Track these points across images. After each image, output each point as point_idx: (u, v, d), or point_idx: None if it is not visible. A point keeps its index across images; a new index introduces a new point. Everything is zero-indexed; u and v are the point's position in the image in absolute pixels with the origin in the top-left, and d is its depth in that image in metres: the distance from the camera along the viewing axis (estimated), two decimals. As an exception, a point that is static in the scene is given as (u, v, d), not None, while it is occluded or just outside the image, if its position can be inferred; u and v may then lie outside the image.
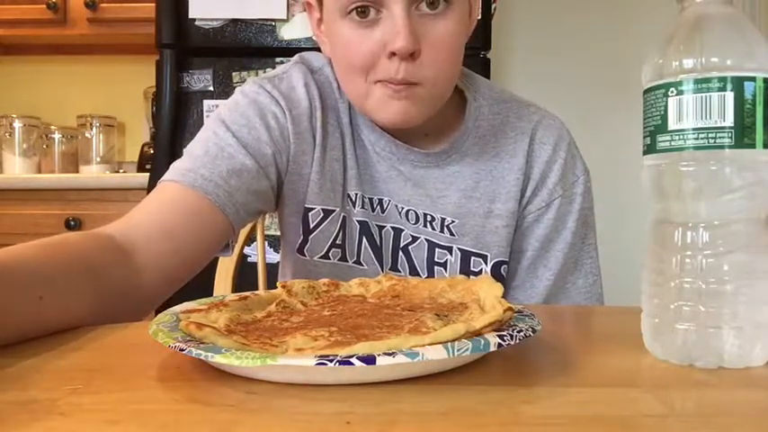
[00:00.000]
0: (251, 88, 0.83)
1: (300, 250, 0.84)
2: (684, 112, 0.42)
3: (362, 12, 0.72)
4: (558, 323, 0.58)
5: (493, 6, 1.83)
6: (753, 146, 0.41)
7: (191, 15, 1.74)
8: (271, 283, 0.95)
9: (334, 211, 0.83)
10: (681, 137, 0.42)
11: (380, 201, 0.83)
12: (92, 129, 2.41)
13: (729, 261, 0.41)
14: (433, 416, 0.33)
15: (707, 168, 0.41)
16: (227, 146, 0.77)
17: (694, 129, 0.41)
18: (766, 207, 0.42)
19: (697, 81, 0.41)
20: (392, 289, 0.56)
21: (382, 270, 0.83)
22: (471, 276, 0.80)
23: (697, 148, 0.41)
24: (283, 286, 0.54)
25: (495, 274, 0.82)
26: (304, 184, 0.82)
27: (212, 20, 1.75)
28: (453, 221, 0.82)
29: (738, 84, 0.40)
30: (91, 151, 2.42)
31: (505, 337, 0.39)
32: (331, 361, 0.34)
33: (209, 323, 0.42)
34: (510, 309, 0.43)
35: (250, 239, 1.15)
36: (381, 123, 0.78)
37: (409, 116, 0.75)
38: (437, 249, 0.82)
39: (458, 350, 0.36)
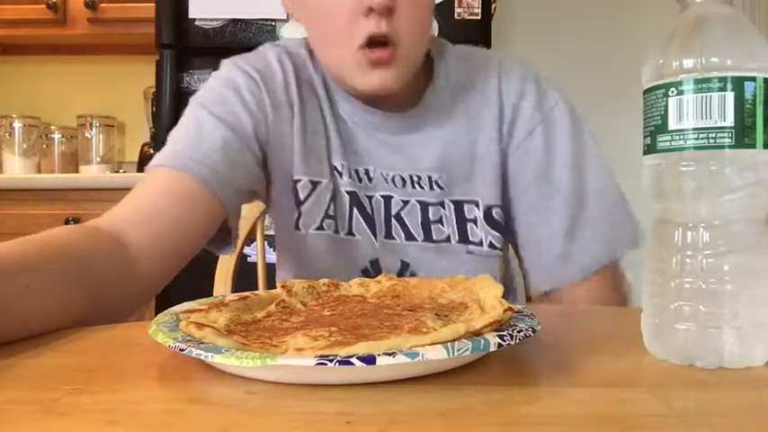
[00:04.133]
0: (224, 69, 0.84)
1: (297, 225, 0.84)
2: (685, 112, 0.42)
3: None
4: (558, 323, 0.58)
5: (493, 6, 1.83)
6: (753, 146, 0.41)
7: (191, 15, 1.74)
8: (271, 283, 0.95)
9: (321, 182, 0.83)
10: (681, 137, 0.42)
11: (366, 171, 0.84)
12: (92, 129, 2.41)
13: (729, 261, 0.41)
14: (433, 416, 0.33)
15: (707, 168, 0.41)
16: (205, 124, 0.78)
17: (694, 129, 0.41)
18: (766, 207, 0.42)
19: (697, 81, 0.41)
20: (392, 289, 0.56)
21: (376, 240, 0.83)
22: (468, 224, 0.82)
23: (697, 148, 0.41)
24: (283, 286, 0.54)
25: (489, 219, 0.83)
26: (288, 155, 0.83)
27: (212, 20, 1.75)
28: (440, 176, 0.83)
29: (739, 84, 0.40)
30: (91, 151, 2.42)
31: (505, 337, 0.39)
32: (331, 361, 0.34)
33: (209, 323, 0.42)
34: (510, 309, 0.43)
35: (250, 239, 1.15)
36: (360, 90, 0.78)
37: (388, 82, 0.76)
38: (430, 208, 0.83)
39: (458, 350, 0.36)
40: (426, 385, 0.37)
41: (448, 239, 0.83)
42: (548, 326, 0.47)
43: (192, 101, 0.82)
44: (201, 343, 0.39)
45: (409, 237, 0.83)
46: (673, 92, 0.42)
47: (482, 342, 0.37)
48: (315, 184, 0.83)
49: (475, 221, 0.83)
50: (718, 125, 0.41)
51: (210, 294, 0.89)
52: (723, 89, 0.40)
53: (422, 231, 0.83)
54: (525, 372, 0.42)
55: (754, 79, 0.41)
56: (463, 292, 0.51)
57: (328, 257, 0.84)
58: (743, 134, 0.40)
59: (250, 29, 1.75)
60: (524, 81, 0.85)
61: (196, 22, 1.74)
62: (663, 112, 0.43)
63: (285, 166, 0.83)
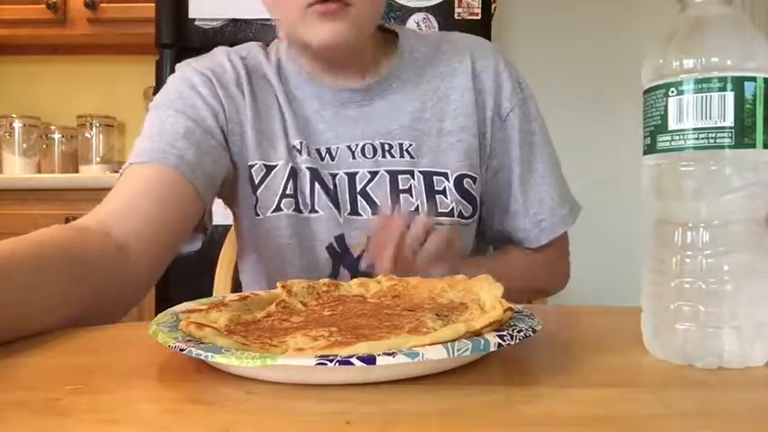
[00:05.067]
0: (178, 71, 0.88)
1: (256, 211, 0.86)
2: (684, 112, 0.42)
3: None
4: (558, 323, 0.58)
5: (493, 6, 1.83)
6: (753, 146, 0.41)
7: (191, 15, 1.74)
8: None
9: (276, 164, 0.85)
10: (681, 137, 0.42)
11: (328, 150, 0.86)
12: (92, 129, 2.41)
13: (729, 261, 0.41)
14: (433, 416, 0.33)
15: (707, 168, 0.41)
16: (167, 118, 0.81)
17: (694, 129, 0.41)
18: (766, 207, 0.42)
19: (697, 81, 0.41)
20: (392, 289, 0.56)
21: (340, 215, 0.84)
22: (438, 196, 0.85)
23: (697, 148, 0.41)
24: (283, 286, 0.54)
25: (459, 189, 0.86)
26: (244, 144, 0.86)
27: (212, 20, 1.75)
28: (411, 144, 0.86)
29: (739, 84, 0.40)
30: (91, 151, 2.42)
31: (505, 337, 0.39)
32: (331, 361, 0.34)
33: (209, 323, 0.42)
34: (510, 309, 0.43)
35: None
36: (315, 45, 0.79)
37: (339, 35, 0.77)
38: (399, 177, 0.85)
39: (458, 350, 0.36)
40: (426, 385, 0.37)
41: (416, 210, 0.85)
42: (548, 326, 0.47)
43: (151, 106, 0.85)
44: (201, 343, 0.39)
45: (377, 212, 0.84)
46: (673, 92, 0.42)
47: (482, 342, 0.37)
48: (269, 168, 0.85)
49: (444, 192, 0.85)
50: (718, 125, 0.41)
51: (210, 294, 0.89)
52: (723, 89, 0.40)
53: (390, 203, 0.85)
54: (525, 372, 0.42)
55: (754, 79, 0.41)
56: (463, 292, 0.51)
57: (288, 237, 0.85)
58: (743, 134, 0.40)
59: (250, 29, 1.75)
60: (497, 62, 0.90)
61: (196, 22, 1.74)
62: (663, 112, 0.43)
63: (242, 154, 0.86)
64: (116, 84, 2.52)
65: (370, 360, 0.34)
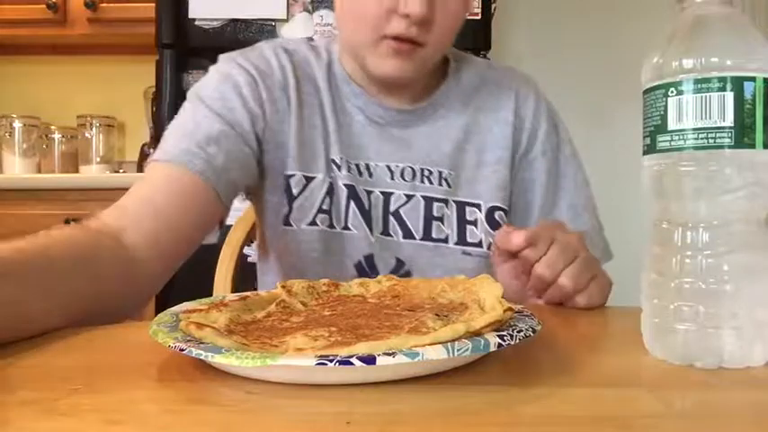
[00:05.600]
0: (223, 64, 0.85)
1: (287, 221, 0.84)
2: (684, 112, 0.42)
3: None
4: (558, 323, 0.58)
5: (493, 6, 1.83)
6: (753, 146, 0.41)
7: (191, 15, 1.74)
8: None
9: (315, 177, 0.84)
10: (681, 137, 0.42)
11: (368, 166, 0.85)
12: (92, 129, 2.41)
13: (729, 261, 0.41)
14: (433, 416, 0.33)
15: (707, 168, 0.41)
16: (203, 118, 0.79)
17: (694, 129, 0.41)
18: (766, 207, 0.42)
19: (697, 81, 0.41)
20: (392, 289, 0.56)
21: (372, 234, 0.84)
22: (469, 226, 0.84)
23: (697, 148, 0.41)
24: (283, 286, 0.54)
25: (490, 220, 0.85)
26: (282, 152, 0.84)
27: (212, 20, 1.75)
28: (450, 173, 0.85)
29: (738, 84, 0.40)
30: (91, 151, 2.41)
31: (505, 337, 0.39)
32: (331, 361, 0.34)
33: (209, 323, 0.42)
34: (510, 309, 0.43)
35: (250, 240, 1.15)
36: (377, 75, 0.80)
37: (406, 72, 0.79)
38: (435, 204, 0.85)
39: (458, 350, 0.36)
40: (426, 385, 0.37)
41: (446, 240, 0.84)
42: (548, 326, 0.47)
43: (190, 94, 0.82)
44: (201, 343, 0.39)
45: (407, 235, 0.84)
46: (672, 92, 0.42)
47: (482, 342, 0.37)
48: (308, 180, 0.84)
49: (475, 223, 0.85)
50: (718, 125, 0.41)
51: (210, 294, 0.89)
52: (723, 89, 0.40)
53: (422, 228, 0.84)
54: (525, 372, 0.42)
55: (753, 79, 0.41)
56: (463, 293, 0.51)
57: (319, 252, 0.84)
58: (742, 134, 0.40)
59: (250, 29, 1.75)
60: (538, 102, 0.91)
61: (196, 22, 1.74)
62: (662, 112, 0.43)
63: (279, 162, 0.84)
64: (116, 84, 2.51)
65: (370, 360, 0.34)
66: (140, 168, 2.29)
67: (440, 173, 0.85)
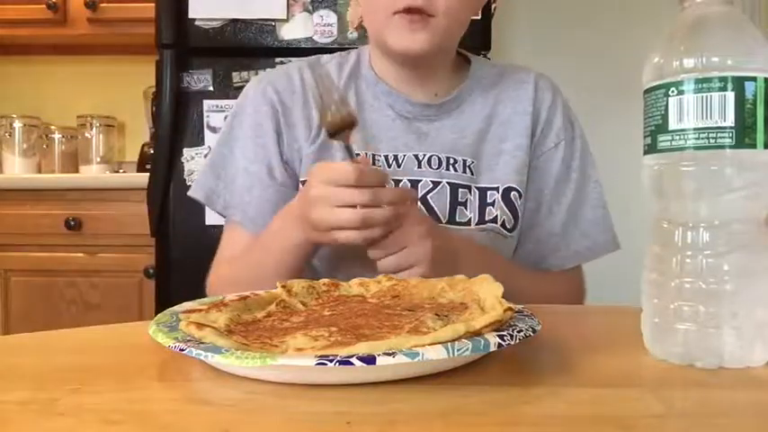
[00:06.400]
0: (256, 87, 0.92)
1: None
2: (685, 112, 0.41)
3: None
4: (558, 323, 0.58)
5: (493, 6, 1.83)
6: (753, 146, 0.41)
7: (191, 15, 1.74)
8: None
9: None
10: (681, 137, 0.42)
11: (396, 157, 0.90)
12: (92, 129, 2.41)
13: (729, 261, 0.41)
14: (433, 416, 0.33)
15: (707, 168, 0.41)
16: (240, 161, 0.89)
17: (695, 129, 0.41)
18: (766, 207, 0.42)
19: (698, 81, 0.41)
20: (392, 289, 0.56)
21: None
22: (488, 207, 0.89)
23: (698, 148, 0.41)
24: (283, 286, 0.54)
25: (506, 200, 0.90)
26: (299, 164, 0.90)
27: (212, 20, 1.75)
28: (473, 161, 0.91)
29: (739, 84, 0.40)
30: (91, 151, 2.41)
31: (505, 337, 0.39)
32: (331, 361, 0.34)
33: (209, 323, 0.42)
34: (510, 309, 0.43)
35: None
36: (397, 51, 0.86)
37: (421, 45, 0.83)
38: (459, 190, 0.89)
39: (458, 350, 0.36)
40: (426, 385, 0.37)
41: (468, 223, 0.89)
42: (548, 326, 0.47)
43: (228, 121, 0.92)
44: (201, 343, 0.39)
45: (434, 219, 0.87)
46: (673, 92, 0.42)
47: (482, 342, 0.37)
48: None
49: (493, 204, 0.90)
50: (719, 125, 0.41)
51: (210, 294, 0.88)
52: (723, 89, 0.40)
53: (447, 213, 0.88)
54: (525, 372, 0.42)
55: (754, 79, 0.40)
56: (463, 292, 0.51)
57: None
58: (743, 134, 0.40)
59: (250, 29, 1.75)
60: (555, 97, 0.95)
61: (196, 22, 1.74)
62: (663, 112, 0.42)
63: (296, 172, 0.90)
64: (116, 84, 2.51)
65: (370, 360, 0.34)
66: (140, 168, 2.29)
67: (464, 161, 0.90)
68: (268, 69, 0.94)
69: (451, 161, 0.90)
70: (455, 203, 0.88)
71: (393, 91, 0.92)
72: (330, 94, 0.75)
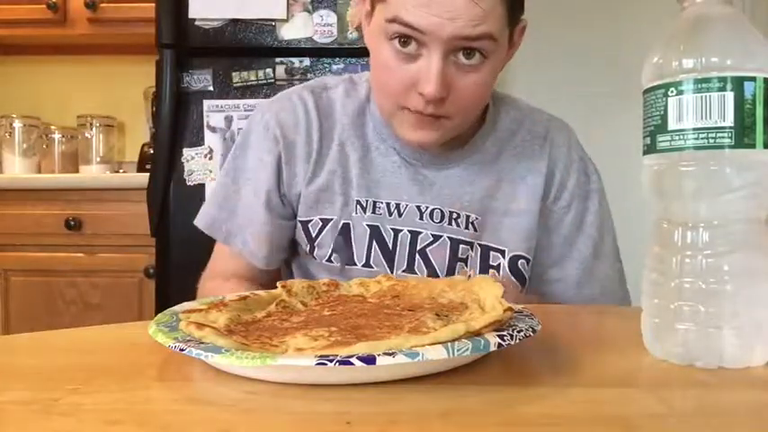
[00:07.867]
0: (259, 118, 0.89)
1: (312, 254, 0.88)
2: (684, 112, 0.41)
3: (405, 42, 0.73)
4: (559, 323, 0.58)
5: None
6: (753, 146, 0.41)
7: (191, 15, 1.74)
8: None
9: (331, 219, 0.86)
10: (681, 137, 0.42)
11: (398, 206, 0.86)
12: (92, 129, 2.41)
13: (729, 261, 0.41)
14: (432, 416, 0.33)
15: (707, 168, 0.41)
16: (245, 198, 0.87)
17: (694, 129, 0.41)
18: (766, 207, 0.42)
19: (697, 81, 0.41)
20: (392, 289, 0.56)
21: (393, 272, 0.85)
22: (490, 270, 0.85)
23: (697, 148, 0.41)
24: (283, 286, 0.54)
25: (513, 268, 0.86)
26: (297, 199, 0.88)
27: (212, 20, 1.75)
28: (477, 218, 0.86)
29: (738, 84, 0.40)
30: (91, 151, 2.41)
31: (505, 337, 0.39)
32: (331, 361, 0.34)
33: (209, 323, 0.42)
34: (510, 309, 0.43)
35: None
36: (404, 142, 0.83)
37: (431, 141, 0.79)
38: (460, 246, 0.86)
39: (458, 350, 0.36)
40: (426, 385, 0.37)
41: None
42: (548, 326, 0.47)
43: (234, 152, 0.90)
44: (201, 343, 0.39)
45: (432, 273, 0.85)
46: (672, 92, 0.42)
47: (482, 342, 0.37)
48: (325, 222, 0.86)
49: (498, 268, 0.86)
50: (718, 125, 0.41)
51: (210, 294, 0.88)
52: (723, 89, 0.40)
53: (446, 268, 0.85)
54: (525, 372, 0.42)
55: (753, 79, 0.40)
56: (463, 293, 0.51)
57: (339, 278, 0.85)
58: (743, 134, 0.40)
59: (250, 29, 1.75)
60: (570, 152, 0.91)
61: (196, 22, 1.74)
62: (662, 112, 0.43)
63: (294, 208, 0.88)
64: (116, 84, 2.51)
65: (370, 360, 0.34)
66: (140, 168, 2.29)
67: (467, 216, 0.86)
68: (275, 97, 0.91)
69: (455, 215, 0.86)
70: (455, 259, 0.85)
71: (397, 138, 0.86)
72: None
